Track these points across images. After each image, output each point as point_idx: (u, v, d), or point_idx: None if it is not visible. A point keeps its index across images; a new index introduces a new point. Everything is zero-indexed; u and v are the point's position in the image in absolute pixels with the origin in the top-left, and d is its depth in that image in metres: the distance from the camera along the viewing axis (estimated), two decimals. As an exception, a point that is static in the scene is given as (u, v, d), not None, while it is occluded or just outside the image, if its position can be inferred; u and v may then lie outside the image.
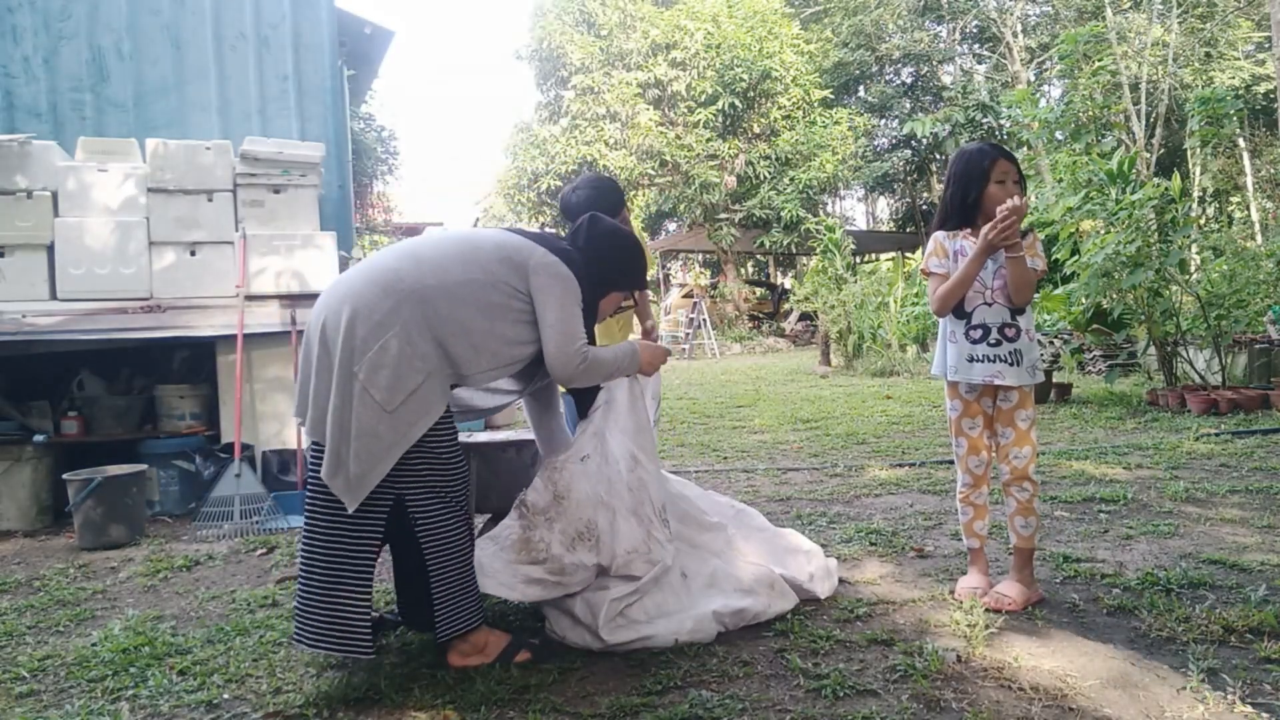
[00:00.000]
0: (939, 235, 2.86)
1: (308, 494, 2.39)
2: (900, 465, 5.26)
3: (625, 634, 2.48)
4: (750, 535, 3.03)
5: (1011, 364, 2.72)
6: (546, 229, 23.82)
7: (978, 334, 2.76)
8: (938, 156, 25.04)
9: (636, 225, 28.99)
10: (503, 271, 2.42)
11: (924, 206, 27.26)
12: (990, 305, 2.74)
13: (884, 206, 33.52)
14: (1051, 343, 10.59)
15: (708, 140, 20.40)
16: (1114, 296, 7.44)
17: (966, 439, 2.87)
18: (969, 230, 2.79)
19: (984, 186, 2.72)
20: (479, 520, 3.07)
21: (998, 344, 2.73)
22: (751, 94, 20.87)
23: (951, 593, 2.87)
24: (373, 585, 2.34)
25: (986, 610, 2.65)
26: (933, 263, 2.86)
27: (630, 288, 2.82)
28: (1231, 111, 7.95)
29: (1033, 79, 24.07)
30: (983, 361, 2.75)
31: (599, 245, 2.65)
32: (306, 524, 2.37)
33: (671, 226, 27.63)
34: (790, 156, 20.92)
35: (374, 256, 2.53)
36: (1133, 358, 9.00)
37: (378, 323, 2.27)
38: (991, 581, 2.85)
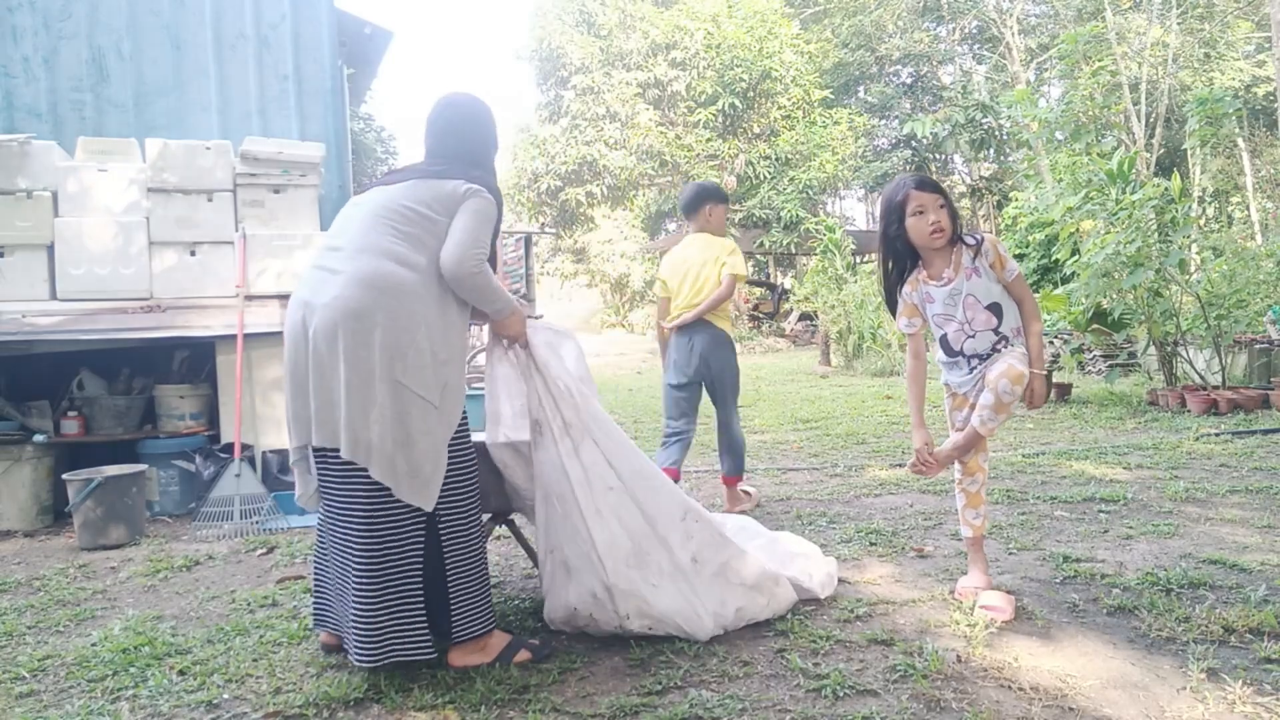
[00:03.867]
0: (904, 293, 2.86)
1: (346, 513, 2.33)
2: (900, 465, 5.25)
3: (628, 584, 2.50)
4: (747, 544, 3.03)
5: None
6: (546, 229, 23.46)
7: (976, 363, 2.77)
8: (938, 156, 25.06)
9: (636, 223, 29.09)
10: (445, 219, 2.43)
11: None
12: (974, 336, 2.74)
13: (884, 206, 33.47)
14: (1051, 343, 10.61)
15: (708, 140, 20.41)
16: (1114, 296, 7.44)
17: (952, 431, 2.90)
18: (922, 271, 2.80)
19: (902, 220, 2.73)
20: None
21: (989, 363, 2.75)
22: (751, 94, 20.88)
23: (952, 593, 2.88)
24: (423, 585, 2.36)
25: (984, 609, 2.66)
26: (902, 323, 2.89)
27: (497, 145, 2.80)
28: (1230, 112, 7.95)
29: (1032, 79, 24.08)
30: (971, 374, 2.79)
31: (467, 119, 2.65)
32: (351, 539, 2.33)
33: (671, 226, 27.62)
34: (790, 156, 20.94)
35: (342, 256, 2.39)
36: (1133, 358, 9.00)
37: (404, 328, 2.29)
38: (992, 581, 2.86)
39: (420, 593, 2.33)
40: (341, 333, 2.26)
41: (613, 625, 2.51)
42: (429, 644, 2.33)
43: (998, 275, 2.72)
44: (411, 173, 2.56)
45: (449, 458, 2.37)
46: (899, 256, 2.83)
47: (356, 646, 2.27)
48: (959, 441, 2.77)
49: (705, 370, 4.16)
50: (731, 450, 4.24)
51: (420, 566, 2.34)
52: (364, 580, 2.28)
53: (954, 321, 2.75)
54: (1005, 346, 2.72)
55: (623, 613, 2.50)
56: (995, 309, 2.71)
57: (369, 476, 2.26)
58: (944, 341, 2.81)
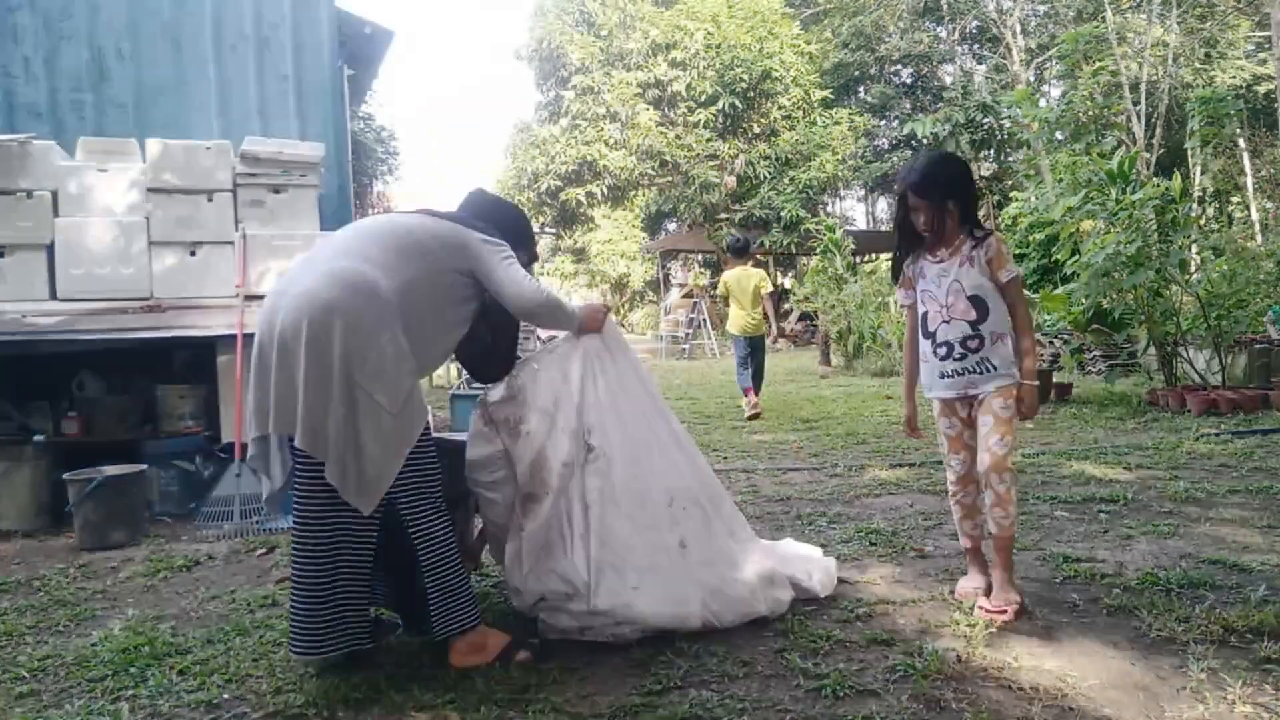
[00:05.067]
0: (905, 264, 2.88)
1: (304, 506, 2.37)
2: (900, 465, 5.25)
3: (611, 599, 2.49)
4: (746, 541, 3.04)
5: (982, 373, 2.71)
6: (546, 229, 23.53)
7: (943, 351, 2.76)
8: (937, 157, 25.00)
9: (636, 223, 29.13)
10: (447, 258, 2.48)
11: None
12: (949, 323, 2.73)
13: (884, 206, 33.52)
14: (1051, 343, 10.61)
15: (708, 140, 20.40)
16: (1114, 296, 7.44)
17: (946, 439, 2.89)
18: (923, 251, 2.83)
19: (906, 205, 2.77)
20: (478, 520, 3.07)
21: (963, 358, 2.72)
22: (751, 94, 20.86)
23: (951, 593, 2.88)
24: (370, 582, 2.38)
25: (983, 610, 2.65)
26: (900, 294, 2.95)
27: (525, 252, 2.85)
28: (1232, 112, 7.95)
29: (1033, 79, 24.07)
30: (952, 376, 2.76)
31: (494, 217, 2.74)
32: (304, 535, 2.37)
33: (671, 226, 27.61)
34: (790, 156, 20.92)
35: (326, 258, 2.43)
36: (1133, 358, 9.00)
37: (370, 330, 2.27)
38: (991, 581, 2.86)
39: (367, 588, 2.38)
40: (306, 324, 2.25)
41: (605, 636, 2.52)
42: (369, 636, 2.41)
43: (992, 273, 2.70)
44: (427, 211, 2.64)
45: (412, 459, 2.35)
46: (906, 232, 2.84)
47: (296, 637, 2.33)
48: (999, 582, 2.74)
49: (757, 341, 8.10)
50: (760, 375, 8.07)
51: (370, 564, 2.36)
52: (314, 572, 2.32)
53: (935, 302, 2.76)
54: (980, 347, 2.69)
55: (613, 626, 2.51)
56: (977, 302, 2.68)
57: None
58: (924, 320, 2.82)
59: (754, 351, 7.97)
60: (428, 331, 2.45)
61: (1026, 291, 10.53)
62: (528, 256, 2.83)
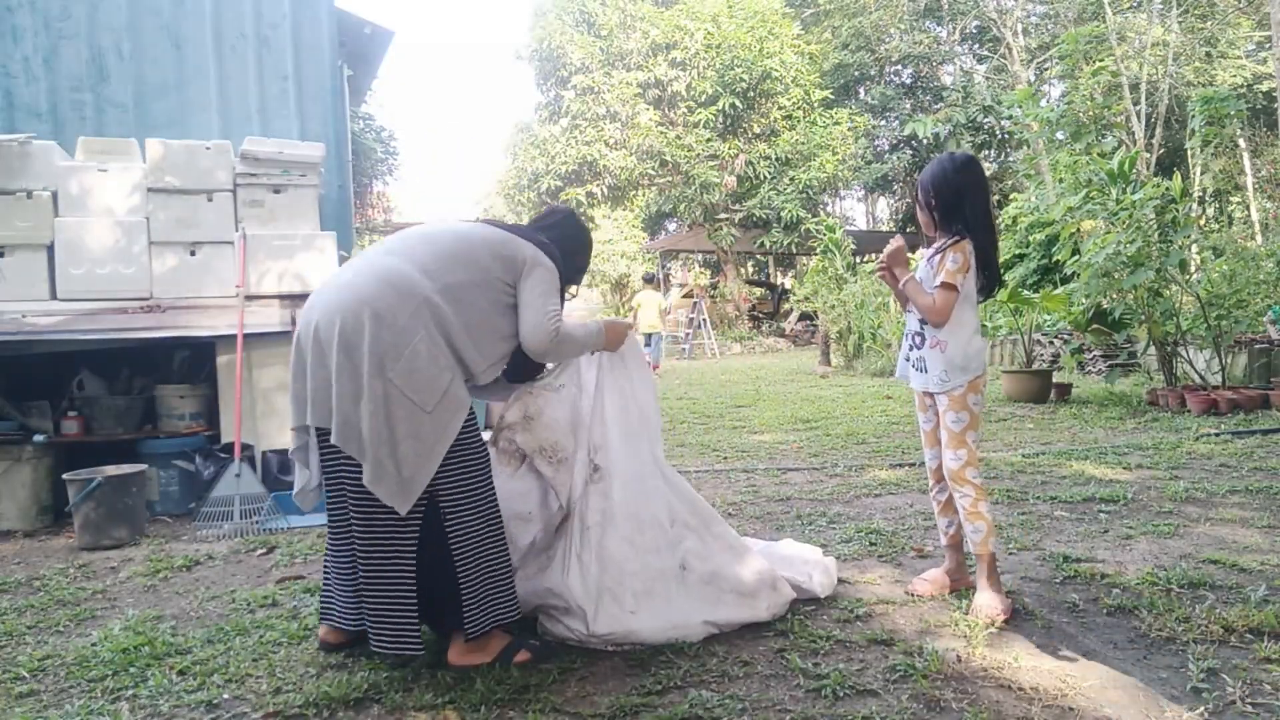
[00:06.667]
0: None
1: (336, 502, 2.39)
2: (900, 465, 5.25)
3: (610, 624, 2.48)
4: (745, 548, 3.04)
5: (919, 370, 2.83)
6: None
7: (905, 337, 2.92)
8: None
9: (636, 223, 29.14)
10: (497, 268, 2.47)
11: (924, 206, 27.18)
12: (910, 311, 2.86)
13: (884, 206, 33.52)
14: (1051, 343, 10.62)
15: (708, 140, 20.40)
16: (1114, 296, 7.44)
17: (923, 434, 2.98)
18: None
19: None
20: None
21: (910, 350, 2.87)
22: (751, 94, 20.87)
23: (952, 593, 2.88)
24: (415, 584, 2.35)
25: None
26: None
27: (576, 282, 2.92)
28: (1232, 111, 7.94)
29: (1033, 79, 24.07)
30: (906, 362, 2.91)
31: (570, 241, 2.76)
32: (345, 529, 2.40)
33: (671, 226, 27.61)
34: (790, 157, 20.93)
35: (370, 256, 2.50)
36: (1133, 358, 9.01)
37: (403, 327, 2.28)
38: (949, 578, 2.90)
39: (413, 588, 2.34)
40: (339, 319, 2.28)
41: (603, 648, 2.52)
42: (418, 641, 2.34)
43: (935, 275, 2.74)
44: (488, 220, 2.68)
45: (457, 450, 2.35)
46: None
47: (372, 636, 2.34)
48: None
49: (655, 335, 14.66)
50: (656, 354, 14.78)
51: (413, 561, 2.34)
52: (366, 571, 2.32)
53: None
54: (920, 344, 2.79)
55: (611, 644, 2.51)
56: None
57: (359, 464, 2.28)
58: None
59: (653, 340, 14.22)
60: (477, 337, 2.42)
61: (1026, 291, 10.52)
62: (579, 267, 2.85)
